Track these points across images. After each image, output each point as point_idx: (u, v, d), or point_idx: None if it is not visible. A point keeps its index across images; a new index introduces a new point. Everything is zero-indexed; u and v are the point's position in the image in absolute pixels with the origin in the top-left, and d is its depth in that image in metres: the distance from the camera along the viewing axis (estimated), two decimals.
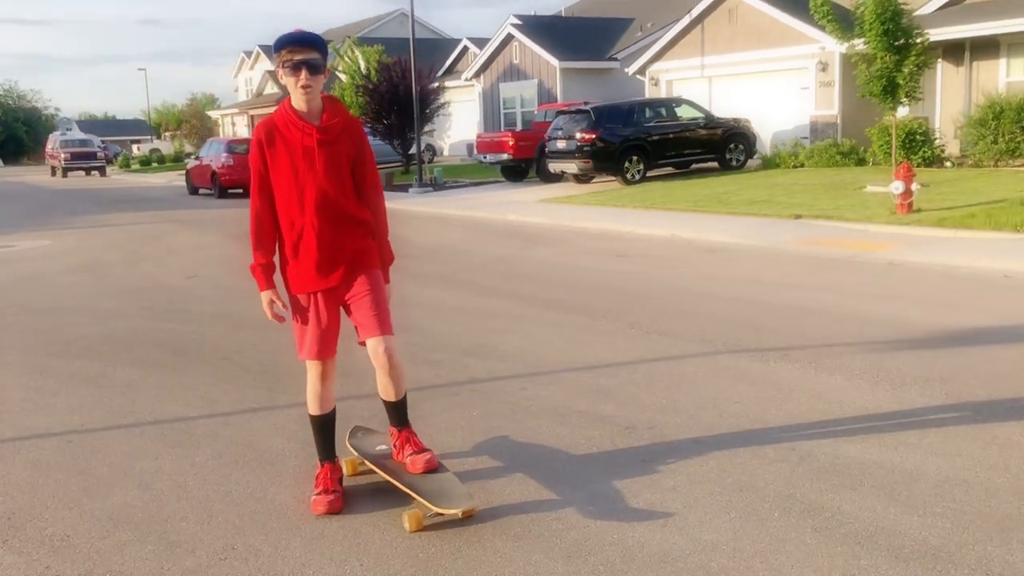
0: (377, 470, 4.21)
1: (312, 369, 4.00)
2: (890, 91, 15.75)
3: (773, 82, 23.82)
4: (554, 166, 20.95)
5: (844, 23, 15.97)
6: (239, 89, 61.28)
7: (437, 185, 24.36)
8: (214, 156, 25.46)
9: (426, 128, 28.25)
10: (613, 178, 20.65)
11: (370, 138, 27.44)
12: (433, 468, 4.02)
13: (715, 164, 21.82)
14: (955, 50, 19.90)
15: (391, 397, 4.09)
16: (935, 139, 19.12)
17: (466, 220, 16.72)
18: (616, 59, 29.36)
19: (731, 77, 24.85)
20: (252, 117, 49.39)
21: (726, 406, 5.03)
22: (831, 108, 22.40)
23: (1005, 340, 6.22)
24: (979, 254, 9.99)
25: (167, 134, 77.30)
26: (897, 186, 13.05)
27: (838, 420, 4.71)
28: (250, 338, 7.35)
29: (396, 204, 20.38)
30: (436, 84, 29.00)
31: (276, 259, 4.01)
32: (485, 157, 23.84)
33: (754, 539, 3.45)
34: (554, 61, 28.89)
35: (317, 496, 3.98)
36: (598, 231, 14.09)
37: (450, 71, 36.30)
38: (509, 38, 30.77)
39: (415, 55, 28.39)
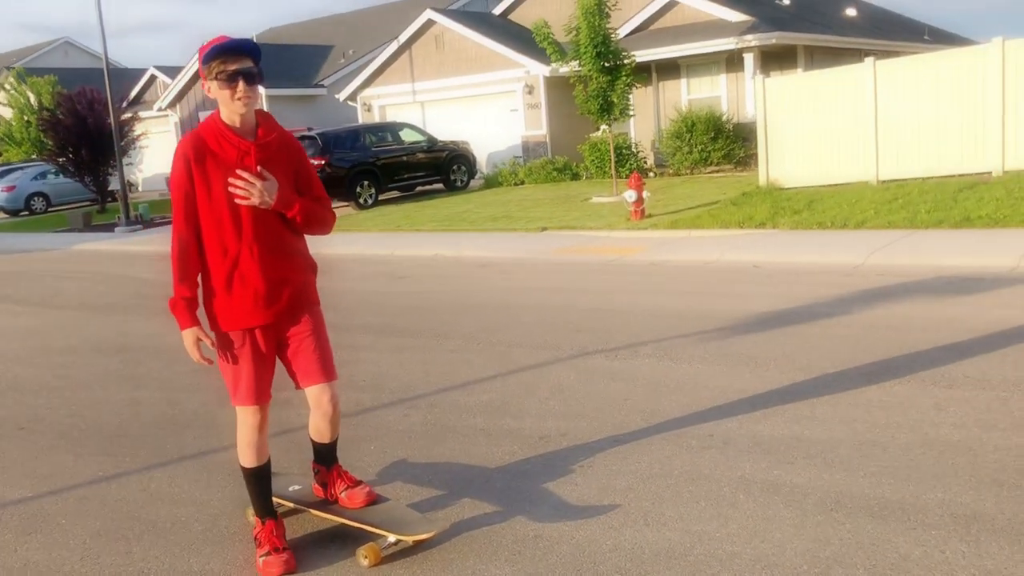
0: (315, 511, 3.85)
1: (249, 416, 3.55)
2: (606, 109, 17.03)
3: (484, 106, 24.77)
4: None
5: (556, 48, 16.97)
6: None
7: (145, 222, 22.55)
8: None
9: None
10: (345, 204, 20.34)
11: (59, 177, 24.69)
12: (373, 500, 3.83)
13: (440, 186, 22.26)
14: (644, 71, 21.89)
15: (326, 440, 3.79)
16: (638, 152, 20.93)
17: None
18: (323, 85, 28.99)
19: (443, 102, 25.48)
20: None
21: (619, 404, 5.15)
22: (540, 128, 23.69)
23: (807, 319, 6.93)
24: (723, 249, 11.06)
25: None
26: (630, 195, 14.12)
27: (727, 403, 5.00)
28: (42, 403, 6.34)
29: (109, 245, 18.63)
30: (130, 115, 26.84)
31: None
32: None
33: (739, 523, 3.56)
34: (260, 88, 27.88)
35: (267, 557, 3.53)
36: (357, 256, 13.80)
37: (136, 102, 33.79)
38: None
39: (98, 85, 26.17)
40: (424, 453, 4.68)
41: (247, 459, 3.61)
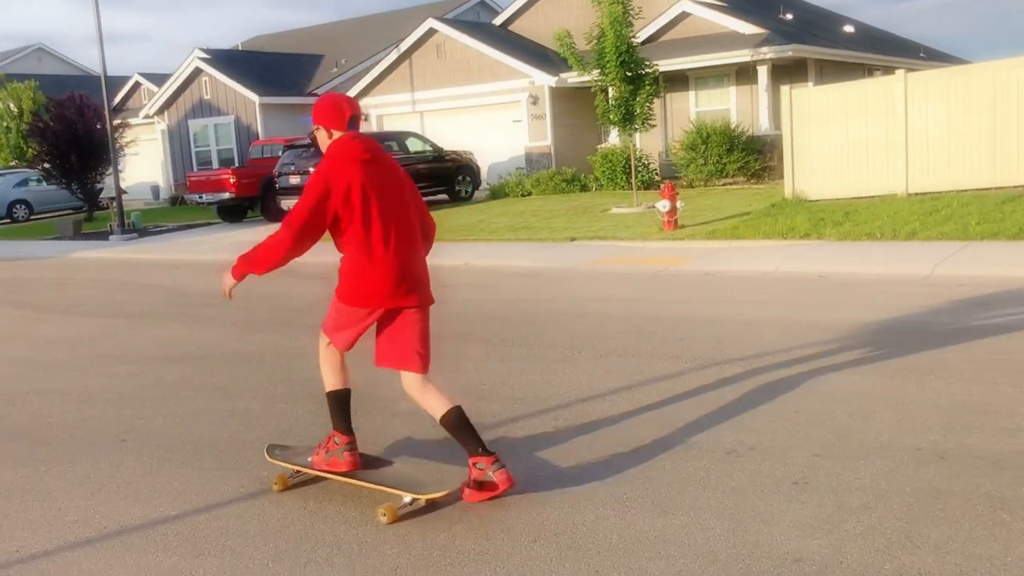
0: (336, 477, 4.20)
1: None
2: (628, 119, 16.80)
3: (486, 116, 24.45)
4: (287, 203, 19.69)
5: (577, 58, 16.68)
6: None
7: (140, 231, 21.87)
8: None
9: (108, 170, 25.36)
10: None
11: (42, 184, 24.05)
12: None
13: (444, 196, 21.86)
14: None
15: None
16: (649, 164, 20.73)
17: (225, 264, 14.91)
18: (316, 94, 28.44)
19: (443, 111, 25.12)
20: None
21: (791, 416, 4.82)
22: (544, 139, 23.42)
23: (929, 328, 6.66)
24: (776, 259, 10.81)
25: None
26: (664, 204, 13.85)
27: (910, 415, 4.69)
28: (130, 413, 5.85)
29: (108, 254, 18.00)
30: (119, 121, 26.09)
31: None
32: (201, 197, 21.84)
33: None
34: (253, 96, 27.35)
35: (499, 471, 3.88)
36: None
37: (120, 108, 32.96)
38: (197, 72, 28.63)
39: (74, 91, 25.49)
40: (602, 470, 4.30)
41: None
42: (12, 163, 31.11)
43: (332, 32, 35.16)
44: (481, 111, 24.52)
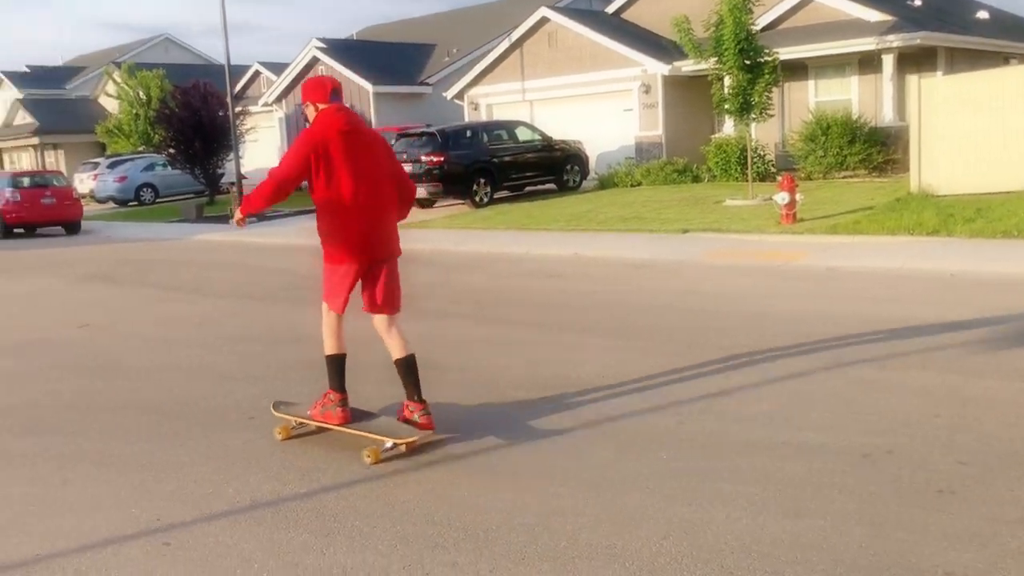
0: (332, 427, 4.84)
1: None
2: (745, 108, 16.37)
3: (597, 105, 24.22)
4: None
5: (694, 44, 16.34)
6: None
7: (259, 215, 22.57)
8: None
9: (229, 156, 26.30)
10: (459, 201, 20.06)
11: (167, 168, 25.24)
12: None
13: (552, 186, 21.80)
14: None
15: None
16: (765, 155, 20.18)
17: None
18: (429, 84, 28.83)
19: (554, 100, 25.02)
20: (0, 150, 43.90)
21: (929, 420, 4.59)
22: (656, 129, 23.06)
23: None
24: (902, 256, 10.36)
25: None
26: (782, 197, 13.43)
27: None
28: (257, 391, 6.02)
29: (230, 237, 18.66)
30: (240, 108, 27.00)
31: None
32: None
33: None
34: (367, 85, 27.87)
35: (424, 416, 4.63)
36: (494, 254, 13.39)
37: (241, 97, 34.07)
38: (315, 61, 29.35)
39: (207, 79, 26.47)
40: (730, 468, 4.18)
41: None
42: (140, 148, 32.61)
43: (445, 21, 35.51)
44: (591, 100, 24.32)
